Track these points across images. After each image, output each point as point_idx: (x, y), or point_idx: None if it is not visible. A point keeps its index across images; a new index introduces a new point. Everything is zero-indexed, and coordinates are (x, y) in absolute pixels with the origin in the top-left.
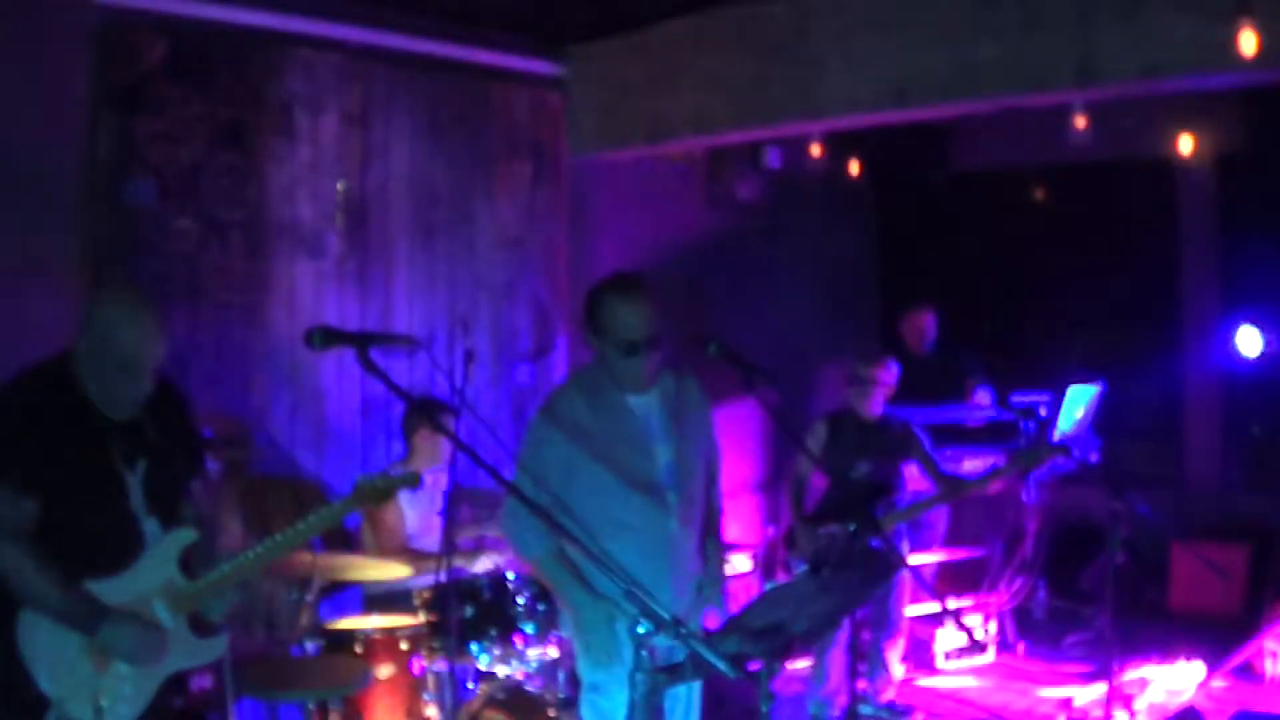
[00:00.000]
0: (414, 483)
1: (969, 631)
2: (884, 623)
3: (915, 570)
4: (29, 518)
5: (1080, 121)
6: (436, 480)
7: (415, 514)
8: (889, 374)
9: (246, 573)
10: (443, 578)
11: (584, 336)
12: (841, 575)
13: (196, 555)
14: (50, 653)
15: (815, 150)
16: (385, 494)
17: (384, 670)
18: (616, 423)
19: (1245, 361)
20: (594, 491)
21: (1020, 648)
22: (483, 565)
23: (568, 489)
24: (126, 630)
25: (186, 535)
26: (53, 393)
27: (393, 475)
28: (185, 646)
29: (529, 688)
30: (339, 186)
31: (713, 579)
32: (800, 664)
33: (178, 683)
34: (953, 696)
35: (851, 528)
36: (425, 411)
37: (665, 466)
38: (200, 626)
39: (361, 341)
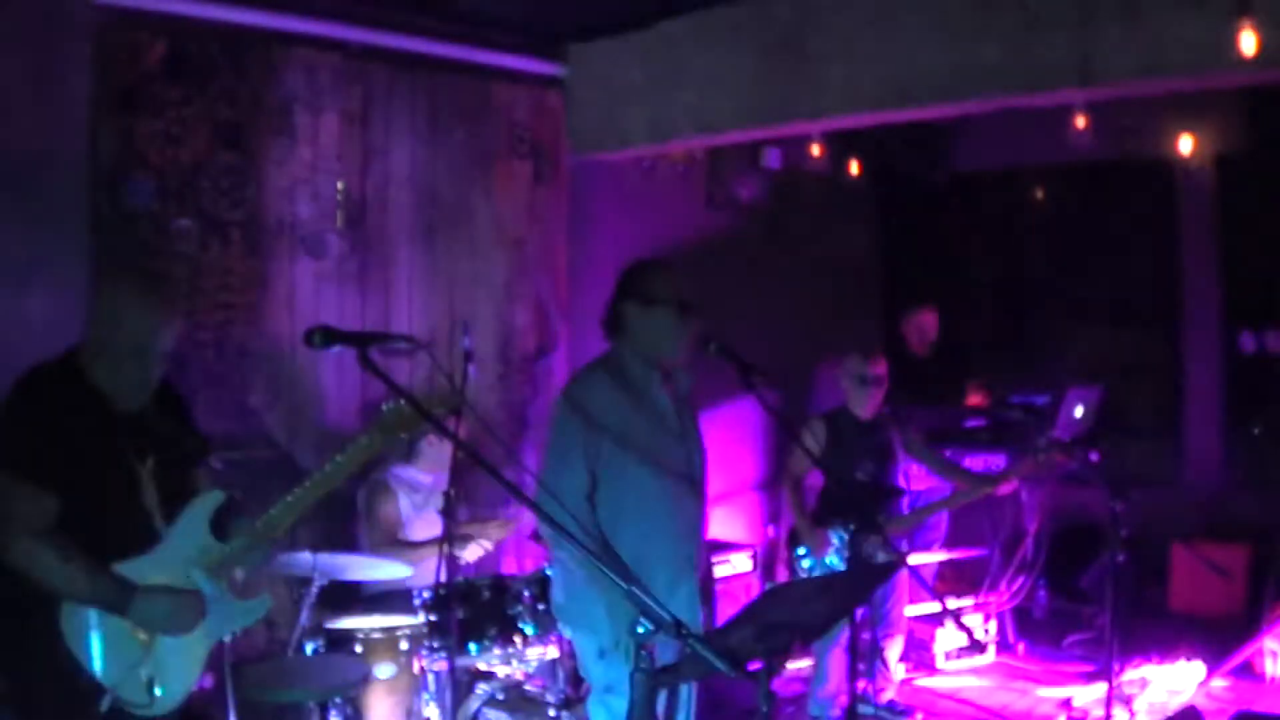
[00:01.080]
0: (455, 405)
1: (969, 631)
2: (883, 622)
3: (915, 570)
4: (50, 514)
5: (1080, 121)
6: (438, 480)
7: (415, 513)
8: (884, 370)
9: (284, 523)
10: (443, 577)
11: (624, 316)
12: (843, 575)
13: (228, 517)
14: (97, 639)
15: (815, 150)
16: (415, 422)
17: (384, 670)
18: (650, 410)
19: (1245, 361)
20: (629, 478)
21: (1020, 648)
22: (473, 553)
23: (602, 476)
24: (158, 602)
25: (215, 497)
26: (63, 388)
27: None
28: (228, 610)
29: (529, 688)
30: (339, 186)
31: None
32: (800, 664)
33: None
34: (953, 696)
35: (851, 528)
36: (429, 415)
37: (687, 458)
38: (242, 588)
39: (361, 342)
